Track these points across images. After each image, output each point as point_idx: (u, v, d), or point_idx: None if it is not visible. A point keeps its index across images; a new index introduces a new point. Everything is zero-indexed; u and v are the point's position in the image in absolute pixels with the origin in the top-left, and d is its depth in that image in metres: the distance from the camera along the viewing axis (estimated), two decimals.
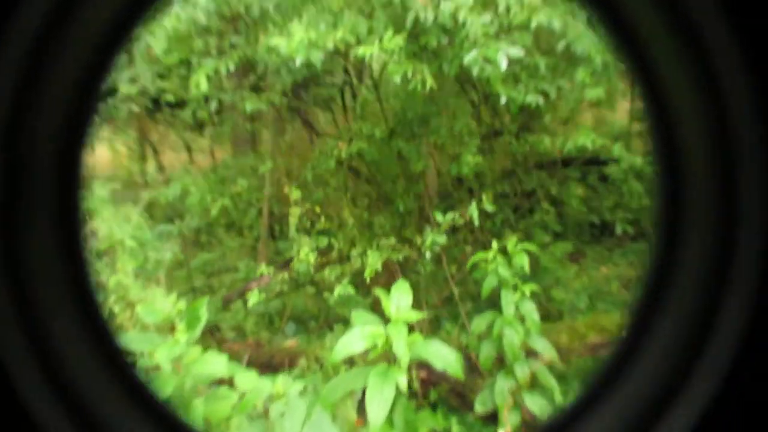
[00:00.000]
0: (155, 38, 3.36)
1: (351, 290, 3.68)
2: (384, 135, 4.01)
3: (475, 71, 3.16)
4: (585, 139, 3.94)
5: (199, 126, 6.71)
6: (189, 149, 8.65)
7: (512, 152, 4.63)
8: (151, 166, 8.99)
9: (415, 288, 4.44)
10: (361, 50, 2.97)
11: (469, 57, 3.02)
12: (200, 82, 3.16)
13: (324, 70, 4.09)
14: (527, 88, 3.73)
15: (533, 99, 3.65)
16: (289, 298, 4.61)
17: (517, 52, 3.03)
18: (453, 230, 4.23)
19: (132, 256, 3.66)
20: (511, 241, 3.54)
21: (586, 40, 3.48)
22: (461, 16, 2.95)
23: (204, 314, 2.34)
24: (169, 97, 4.15)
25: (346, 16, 3.19)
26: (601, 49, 3.52)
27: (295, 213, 3.90)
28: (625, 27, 0.64)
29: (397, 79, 3.08)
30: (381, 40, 2.99)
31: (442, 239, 3.76)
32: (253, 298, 3.64)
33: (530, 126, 4.91)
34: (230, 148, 7.79)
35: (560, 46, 3.47)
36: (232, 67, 3.26)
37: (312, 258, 3.64)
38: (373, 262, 3.70)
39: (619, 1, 0.64)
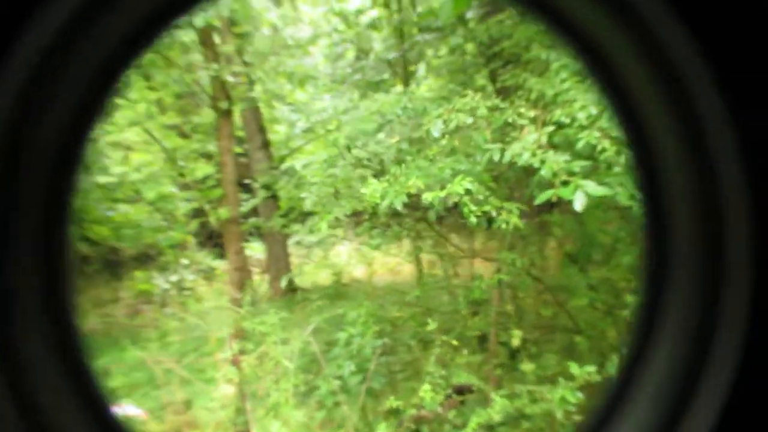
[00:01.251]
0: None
1: None
2: (526, 266, 3.73)
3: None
4: None
5: None
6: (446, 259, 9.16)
7: None
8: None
9: None
10: (428, 196, 2.96)
11: (543, 196, 2.70)
12: (322, 227, 3.58)
13: None
14: None
15: None
16: None
17: (595, 188, 2.58)
18: None
19: (294, 377, 4.14)
20: None
21: None
22: (526, 157, 2.71)
23: None
24: None
25: (440, 162, 3.24)
26: None
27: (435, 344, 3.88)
28: (628, 103, 0.67)
29: (473, 219, 2.94)
30: (452, 184, 2.94)
31: (573, 397, 3.20)
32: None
33: None
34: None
35: None
36: (349, 211, 3.61)
37: (430, 396, 3.53)
38: (495, 412, 3.38)
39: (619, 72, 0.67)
